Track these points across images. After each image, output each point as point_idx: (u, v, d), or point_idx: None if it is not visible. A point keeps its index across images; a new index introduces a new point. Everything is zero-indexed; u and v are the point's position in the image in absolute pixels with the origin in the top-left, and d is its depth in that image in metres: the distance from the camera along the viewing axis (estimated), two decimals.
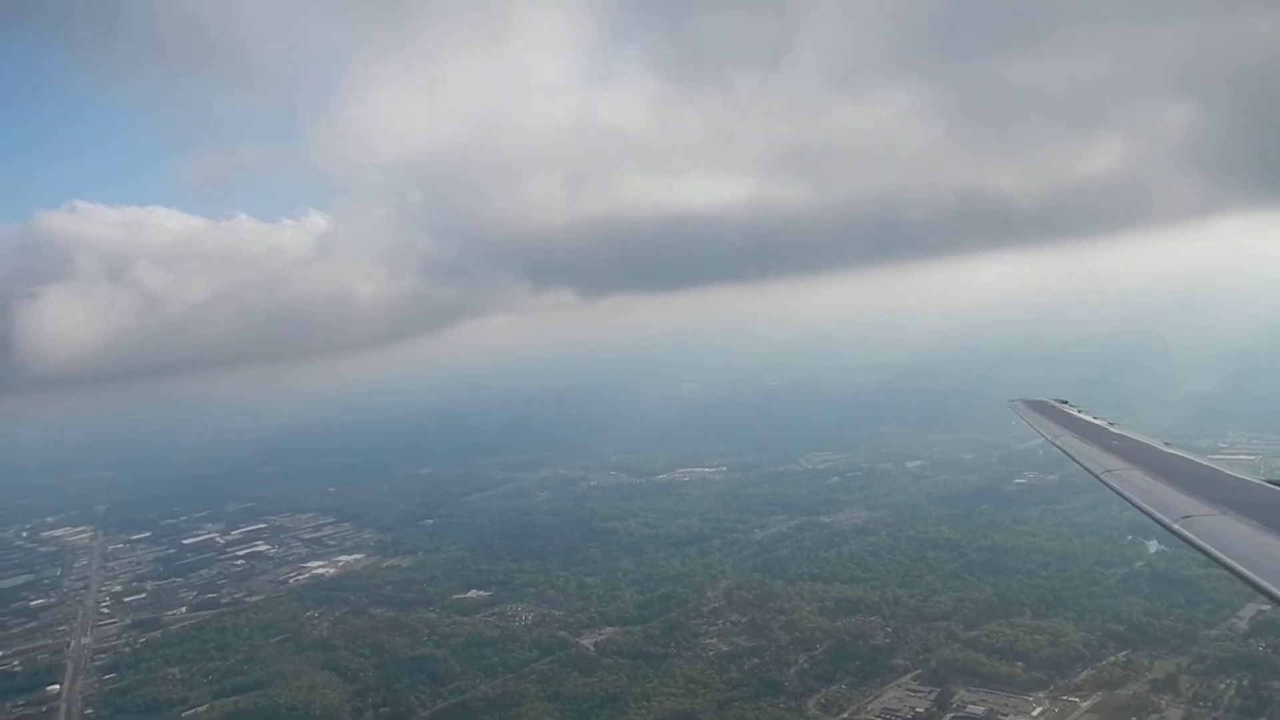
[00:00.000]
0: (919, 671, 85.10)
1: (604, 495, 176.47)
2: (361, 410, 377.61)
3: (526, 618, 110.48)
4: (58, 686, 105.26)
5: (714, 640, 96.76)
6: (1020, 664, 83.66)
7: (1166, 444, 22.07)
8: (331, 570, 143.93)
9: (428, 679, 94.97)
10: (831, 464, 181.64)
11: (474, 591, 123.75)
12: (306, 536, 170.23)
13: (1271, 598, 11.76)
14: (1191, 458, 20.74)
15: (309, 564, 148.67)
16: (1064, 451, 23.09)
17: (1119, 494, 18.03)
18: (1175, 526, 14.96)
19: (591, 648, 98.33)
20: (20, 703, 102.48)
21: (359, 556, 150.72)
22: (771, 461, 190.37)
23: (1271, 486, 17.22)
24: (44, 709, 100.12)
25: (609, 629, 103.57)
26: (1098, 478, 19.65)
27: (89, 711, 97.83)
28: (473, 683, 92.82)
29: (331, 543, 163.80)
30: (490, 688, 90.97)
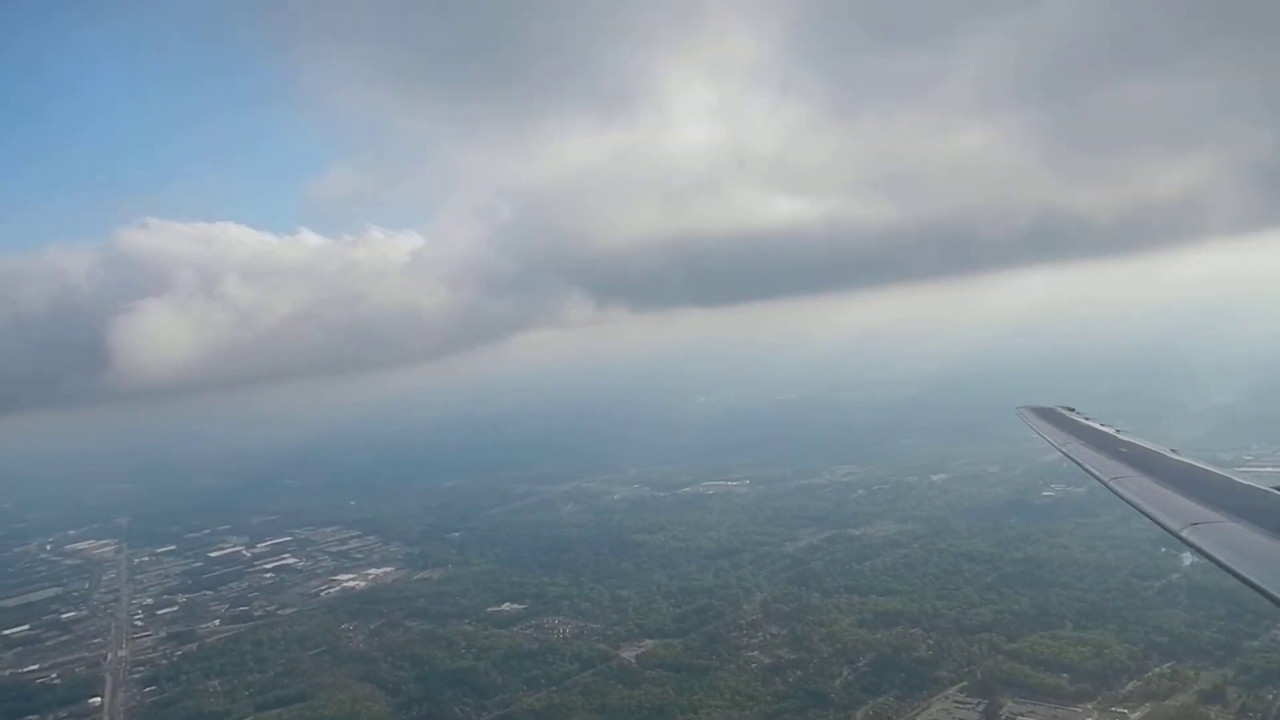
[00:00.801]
0: (965, 683, 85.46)
1: (630, 509, 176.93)
2: (384, 423, 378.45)
3: (564, 630, 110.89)
4: (99, 699, 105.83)
5: (755, 653, 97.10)
6: (1065, 676, 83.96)
7: (1173, 451, 22.16)
8: (362, 583, 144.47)
9: (470, 691, 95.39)
10: (856, 477, 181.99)
11: (508, 604, 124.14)
12: (333, 550, 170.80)
13: (1278, 604, 11.68)
14: (1199, 465, 20.73)
15: (339, 577, 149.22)
16: (1071, 459, 23.09)
17: (1127, 501, 18.08)
18: (1183, 534, 14.95)
19: (633, 660, 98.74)
20: (62, 715, 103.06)
21: (388, 570, 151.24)
22: (795, 475, 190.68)
23: (1278, 494, 17.26)
24: None
25: (648, 641, 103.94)
26: (1106, 484, 19.65)
27: None
28: (516, 695, 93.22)
29: (359, 556, 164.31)
30: (535, 700, 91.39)
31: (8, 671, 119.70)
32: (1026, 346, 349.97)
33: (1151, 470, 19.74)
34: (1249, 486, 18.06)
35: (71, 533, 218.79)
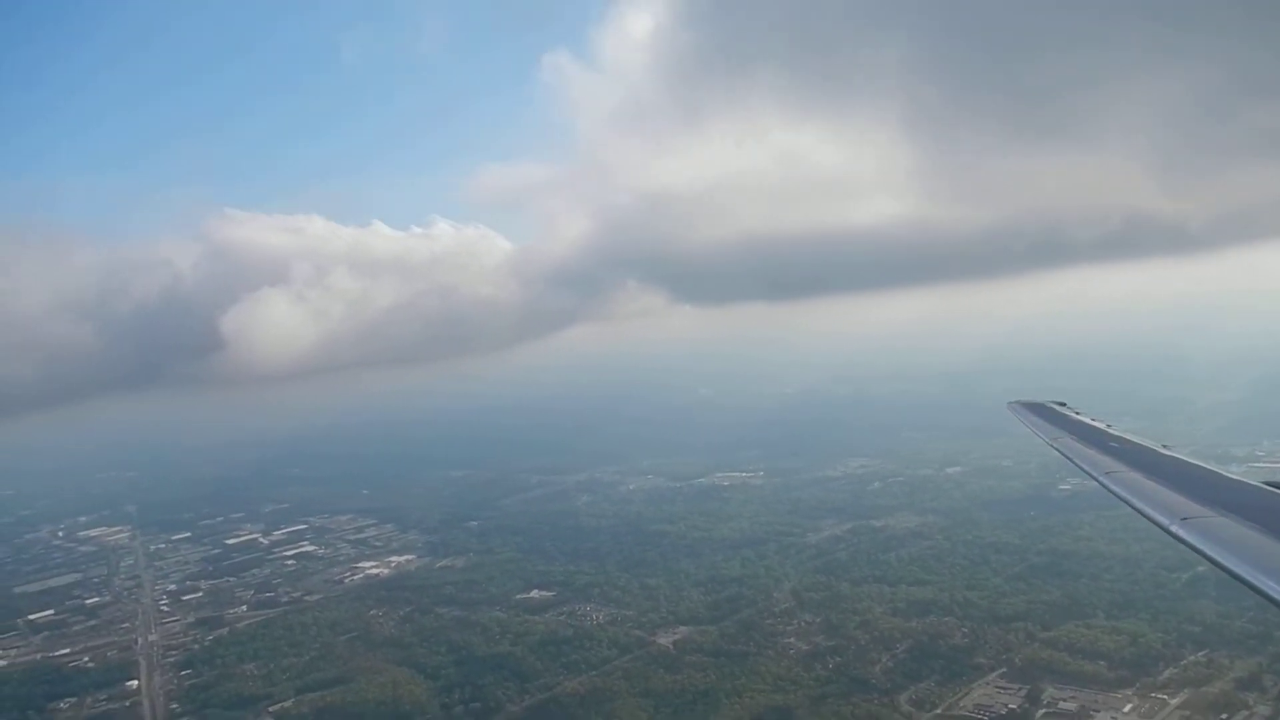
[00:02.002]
0: (1004, 670, 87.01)
1: (646, 499, 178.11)
2: (390, 413, 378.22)
3: (597, 617, 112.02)
4: (135, 682, 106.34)
5: (792, 639, 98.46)
6: (1103, 663, 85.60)
7: (1165, 446, 22.23)
8: (385, 571, 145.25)
9: (510, 676, 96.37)
10: (870, 470, 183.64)
11: (536, 592, 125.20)
12: (351, 537, 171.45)
13: (1272, 600, 11.79)
14: (1189, 460, 20.69)
15: (361, 564, 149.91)
16: (1062, 453, 22.89)
17: (1117, 496, 18.03)
18: (1174, 528, 15.03)
19: (670, 646, 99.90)
20: (101, 698, 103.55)
21: (410, 557, 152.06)
22: (808, 467, 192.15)
23: (1270, 489, 17.34)
24: (126, 704, 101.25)
25: (683, 628, 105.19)
26: (1096, 479, 19.65)
27: (174, 706, 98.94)
28: (557, 679, 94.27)
29: (378, 544, 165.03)
30: (577, 684, 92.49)
31: (39, 655, 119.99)
32: (1040, 343, 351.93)
33: (1142, 465, 19.68)
34: (1239, 482, 18.21)
35: (82, 519, 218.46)
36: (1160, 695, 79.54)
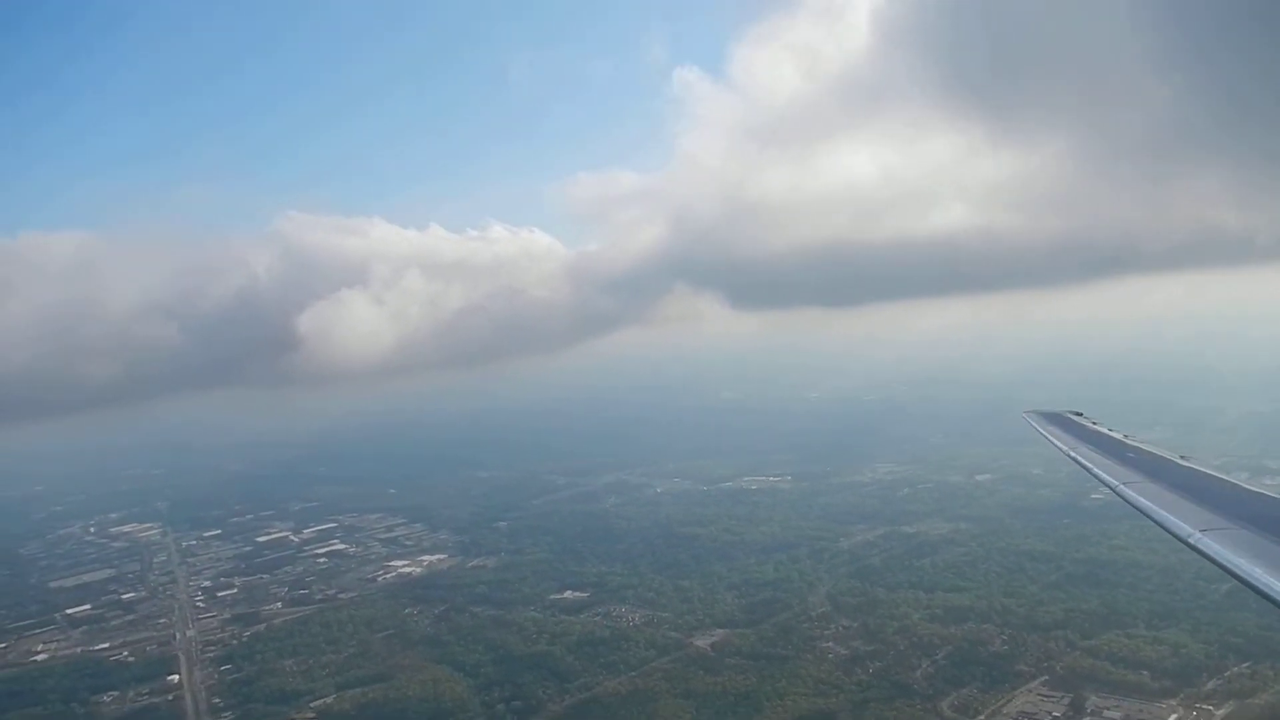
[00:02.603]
0: (1045, 678, 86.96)
1: (675, 502, 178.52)
2: (417, 414, 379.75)
3: (633, 618, 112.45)
4: (176, 677, 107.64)
5: (830, 644, 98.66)
6: (1145, 673, 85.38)
7: (1183, 457, 22.31)
8: (418, 570, 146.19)
9: (549, 675, 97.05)
10: (898, 476, 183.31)
11: (569, 592, 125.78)
12: (382, 536, 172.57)
13: None
14: (1207, 471, 20.75)
15: (393, 563, 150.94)
16: (1080, 464, 22.99)
17: (1136, 507, 18.07)
18: (1192, 540, 15.00)
19: (708, 648, 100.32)
20: (143, 691, 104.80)
21: (442, 556, 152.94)
22: (834, 472, 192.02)
23: None
24: (169, 698, 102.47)
25: (719, 631, 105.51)
26: (1115, 490, 19.63)
27: (216, 700, 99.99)
28: (596, 679, 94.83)
29: (409, 543, 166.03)
30: (617, 684, 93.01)
31: (79, 649, 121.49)
32: (1084, 351, 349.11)
33: (1160, 476, 19.77)
34: (1258, 494, 18.29)
35: (113, 515, 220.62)
36: (1205, 706, 79.30)
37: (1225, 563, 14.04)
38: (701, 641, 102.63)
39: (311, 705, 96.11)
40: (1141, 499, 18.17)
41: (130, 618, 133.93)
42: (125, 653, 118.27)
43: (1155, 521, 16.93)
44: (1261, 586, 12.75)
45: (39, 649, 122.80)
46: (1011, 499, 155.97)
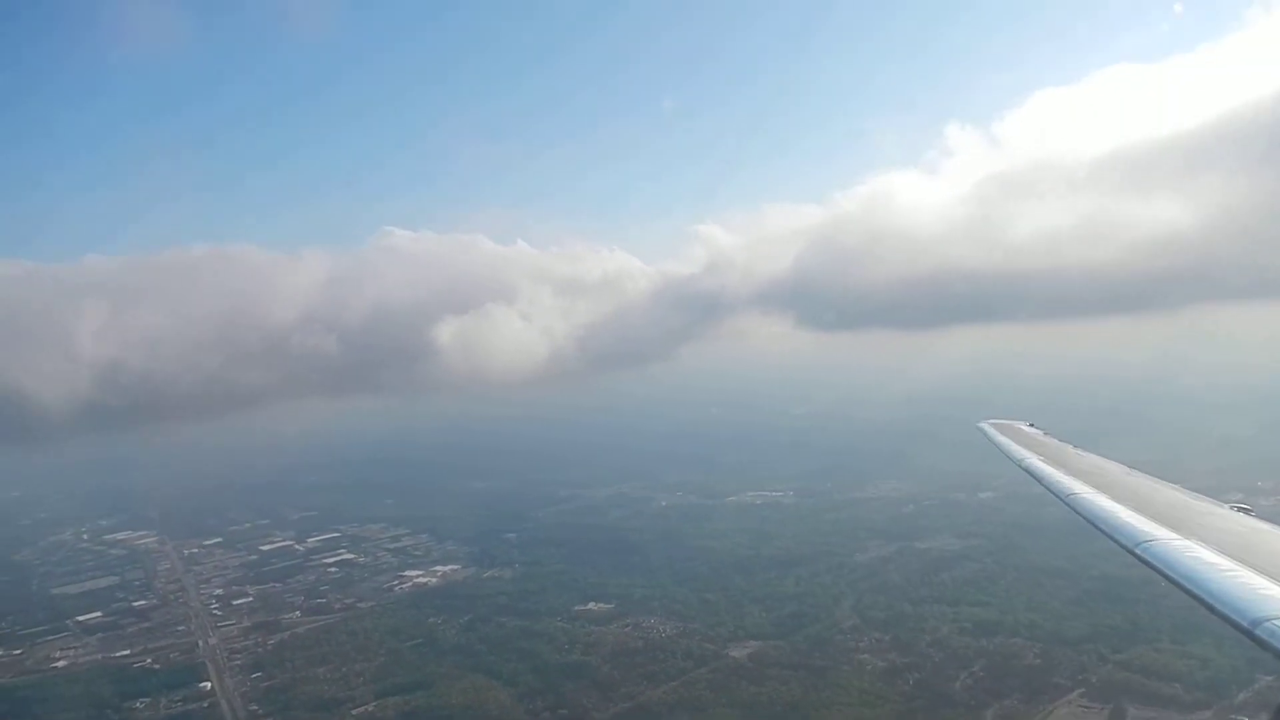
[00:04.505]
0: (1082, 690, 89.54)
1: (682, 515, 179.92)
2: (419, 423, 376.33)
3: (664, 630, 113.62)
4: (208, 684, 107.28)
5: (866, 655, 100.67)
6: (1178, 685, 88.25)
7: (1131, 468, 22.49)
8: (433, 580, 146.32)
9: (589, 685, 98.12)
10: (901, 493, 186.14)
11: (593, 604, 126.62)
12: (389, 546, 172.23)
13: (1232, 624, 11.87)
14: (1156, 482, 20.85)
15: (407, 573, 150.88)
16: (1029, 473, 22.99)
17: (1083, 516, 18.17)
18: (1136, 550, 15.04)
19: (745, 659, 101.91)
20: (175, 698, 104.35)
21: (455, 567, 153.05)
22: (836, 489, 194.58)
23: (1237, 514, 17.59)
24: (204, 705, 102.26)
25: (753, 642, 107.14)
26: (1062, 499, 19.69)
27: (254, 708, 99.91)
28: (638, 689, 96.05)
29: (418, 553, 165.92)
30: (660, 694, 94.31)
31: (99, 655, 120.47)
32: (1119, 377, 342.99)
33: (1108, 487, 19.78)
34: (1207, 505, 18.34)
35: (103, 523, 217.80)
36: (1240, 717, 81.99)
37: (1169, 573, 14.03)
38: (737, 652, 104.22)
39: (354, 713, 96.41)
40: (1088, 508, 18.28)
41: (146, 625, 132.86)
42: (149, 660, 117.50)
43: (1101, 531, 16.96)
44: (1204, 597, 12.76)
45: (57, 655, 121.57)
46: (1018, 516, 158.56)
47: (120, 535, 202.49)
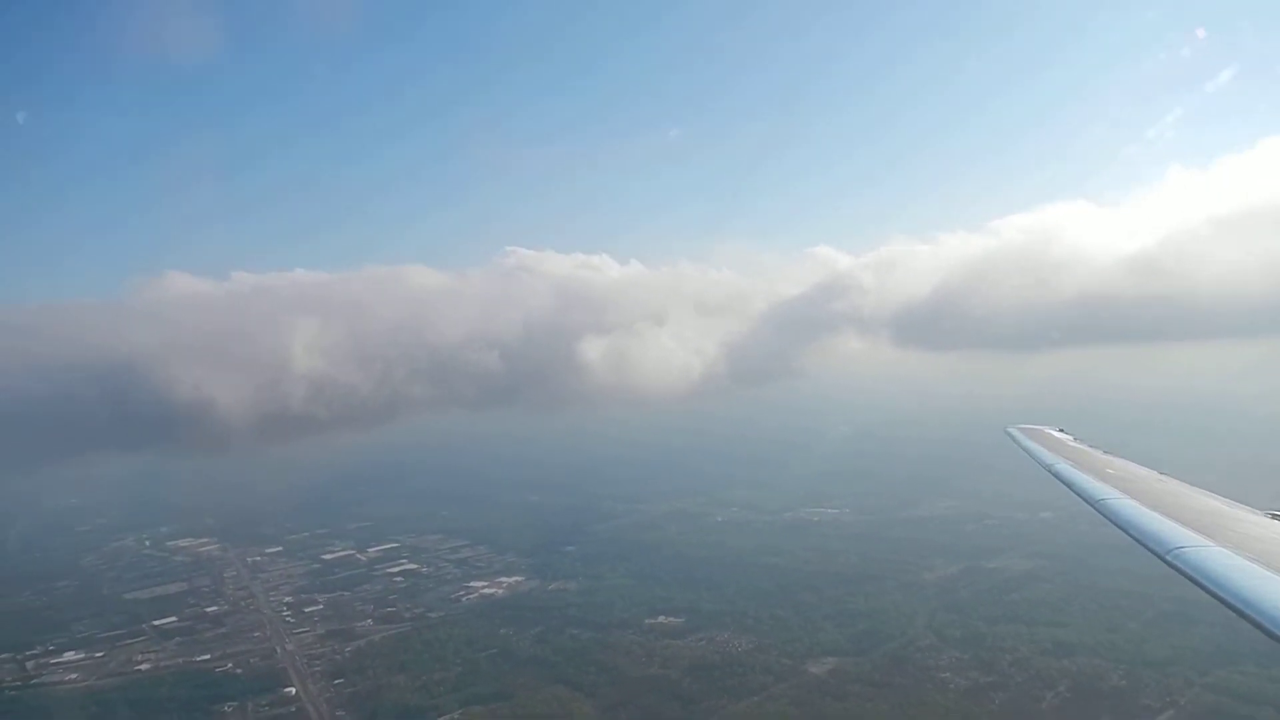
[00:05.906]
0: (1172, 713, 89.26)
1: (739, 531, 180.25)
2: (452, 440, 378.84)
3: (739, 645, 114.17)
4: (292, 689, 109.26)
5: (948, 674, 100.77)
6: (1270, 709, 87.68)
7: (1162, 474, 22.40)
8: (499, 591, 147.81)
9: (670, 697, 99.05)
10: (959, 511, 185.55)
11: (663, 617, 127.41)
12: (450, 557, 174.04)
13: (1268, 634, 11.63)
14: (1189, 488, 20.71)
15: (472, 584, 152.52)
16: (1059, 478, 22.74)
17: (1113, 522, 18.01)
18: (1169, 557, 14.87)
19: (826, 675, 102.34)
20: (262, 703, 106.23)
21: (519, 579, 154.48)
22: (894, 506, 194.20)
23: (1272, 520, 17.46)
24: (291, 710, 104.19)
25: (830, 659, 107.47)
26: (1093, 505, 19.53)
27: (340, 714, 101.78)
28: (720, 703, 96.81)
29: (480, 564, 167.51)
30: (743, 708, 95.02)
31: (179, 660, 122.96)
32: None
33: (1140, 493, 19.60)
34: (1239, 512, 18.21)
35: (163, 530, 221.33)
36: None
37: (1202, 580, 13.87)
38: (816, 669, 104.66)
39: None
40: (1119, 514, 18.14)
41: (222, 630, 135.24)
42: (230, 664, 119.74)
43: (1132, 537, 16.76)
44: (1238, 605, 12.55)
45: (139, 659, 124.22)
46: (1082, 536, 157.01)
47: (182, 542, 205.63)
